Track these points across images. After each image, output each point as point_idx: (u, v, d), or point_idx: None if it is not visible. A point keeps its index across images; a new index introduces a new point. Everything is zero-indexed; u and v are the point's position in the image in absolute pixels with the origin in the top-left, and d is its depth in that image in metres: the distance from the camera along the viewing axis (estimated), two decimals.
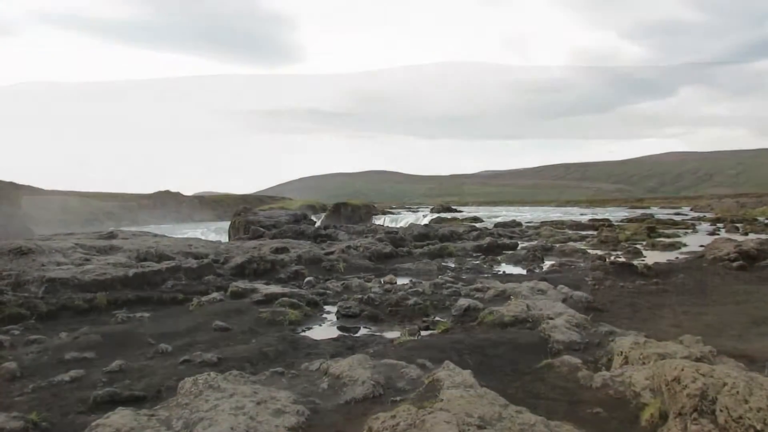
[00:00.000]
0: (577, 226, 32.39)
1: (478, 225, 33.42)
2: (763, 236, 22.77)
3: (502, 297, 9.97)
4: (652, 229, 26.79)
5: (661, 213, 48.98)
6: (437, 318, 9.22)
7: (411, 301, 10.03)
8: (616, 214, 48.62)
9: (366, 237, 22.86)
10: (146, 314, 9.29)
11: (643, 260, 16.82)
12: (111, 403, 5.05)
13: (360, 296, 10.50)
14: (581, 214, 48.06)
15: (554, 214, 51.52)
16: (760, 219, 36.14)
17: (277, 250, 16.83)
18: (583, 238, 25.38)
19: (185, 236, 25.42)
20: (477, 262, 17.48)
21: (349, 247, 18.19)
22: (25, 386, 5.73)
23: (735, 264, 13.94)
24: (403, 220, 46.66)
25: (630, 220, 36.76)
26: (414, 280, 13.20)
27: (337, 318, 9.53)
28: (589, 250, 20.24)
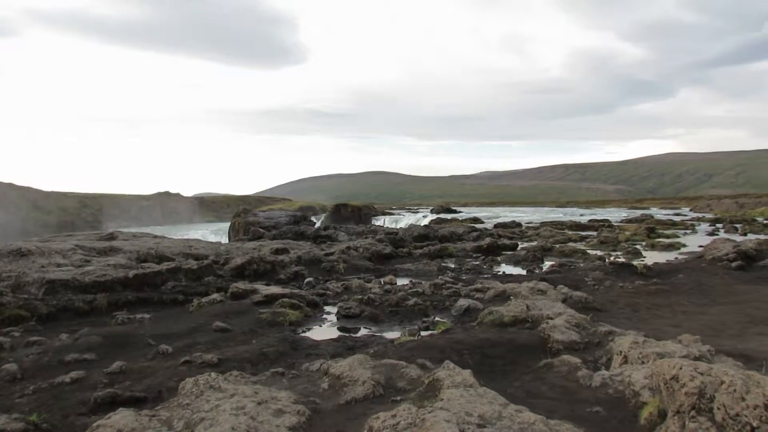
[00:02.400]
0: (577, 226, 32.41)
1: (477, 226, 33.43)
2: (761, 236, 22.80)
3: (502, 297, 9.99)
4: (651, 230, 26.82)
5: (660, 214, 49.02)
6: (437, 318, 9.24)
7: (411, 302, 10.05)
8: (615, 214, 48.65)
9: (366, 238, 22.89)
10: (146, 315, 9.30)
11: (642, 261, 16.84)
12: (112, 404, 5.07)
13: (360, 297, 10.51)
14: (581, 215, 48.07)
15: (554, 214, 51.54)
16: (759, 219, 36.18)
17: (277, 251, 16.85)
18: (582, 238, 25.39)
19: (185, 237, 25.42)
20: (477, 262, 17.50)
21: (349, 248, 18.21)
22: (25, 388, 5.74)
23: (734, 264, 13.96)
24: (403, 220, 46.65)
25: (629, 221, 36.79)
26: (414, 280, 13.21)
27: (338, 318, 9.55)
28: (588, 251, 20.26)
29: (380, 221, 47.35)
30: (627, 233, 25.62)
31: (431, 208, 66.05)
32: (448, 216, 48.46)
